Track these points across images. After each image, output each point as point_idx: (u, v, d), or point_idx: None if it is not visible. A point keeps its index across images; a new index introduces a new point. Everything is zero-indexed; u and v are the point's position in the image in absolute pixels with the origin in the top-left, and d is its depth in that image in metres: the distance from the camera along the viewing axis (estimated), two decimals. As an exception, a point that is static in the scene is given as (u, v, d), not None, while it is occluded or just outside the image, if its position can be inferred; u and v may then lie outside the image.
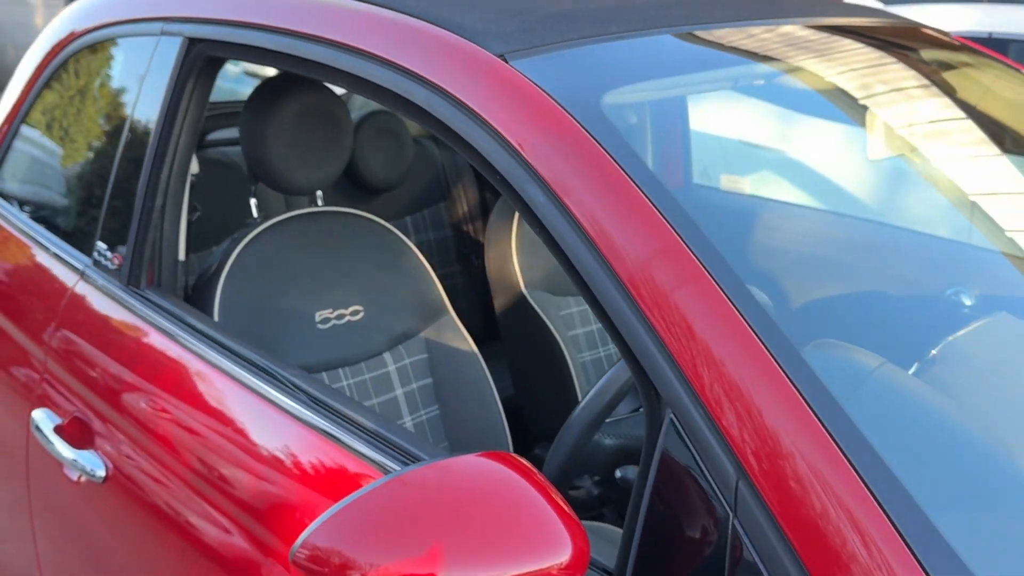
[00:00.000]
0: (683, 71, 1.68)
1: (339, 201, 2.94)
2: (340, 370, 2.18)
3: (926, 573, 1.01)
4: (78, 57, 2.36)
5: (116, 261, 2.01)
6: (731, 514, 1.09)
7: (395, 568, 1.07)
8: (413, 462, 1.40)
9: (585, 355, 2.57)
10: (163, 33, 2.00)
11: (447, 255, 3.37)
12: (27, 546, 2.18)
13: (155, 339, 1.87)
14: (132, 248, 1.98)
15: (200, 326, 1.83)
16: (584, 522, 1.67)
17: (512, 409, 2.42)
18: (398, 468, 1.42)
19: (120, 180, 2.06)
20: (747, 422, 1.11)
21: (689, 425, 1.14)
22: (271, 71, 2.44)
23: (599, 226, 1.26)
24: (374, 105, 3.53)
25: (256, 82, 2.30)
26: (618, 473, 1.66)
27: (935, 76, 1.94)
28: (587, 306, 1.34)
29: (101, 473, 1.85)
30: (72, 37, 2.36)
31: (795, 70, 1.78)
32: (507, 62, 1.45)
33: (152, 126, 1.97)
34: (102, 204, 2.10)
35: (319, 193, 2.49)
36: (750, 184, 1.88)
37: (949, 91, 1.92)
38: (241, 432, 1.66)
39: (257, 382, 1.66)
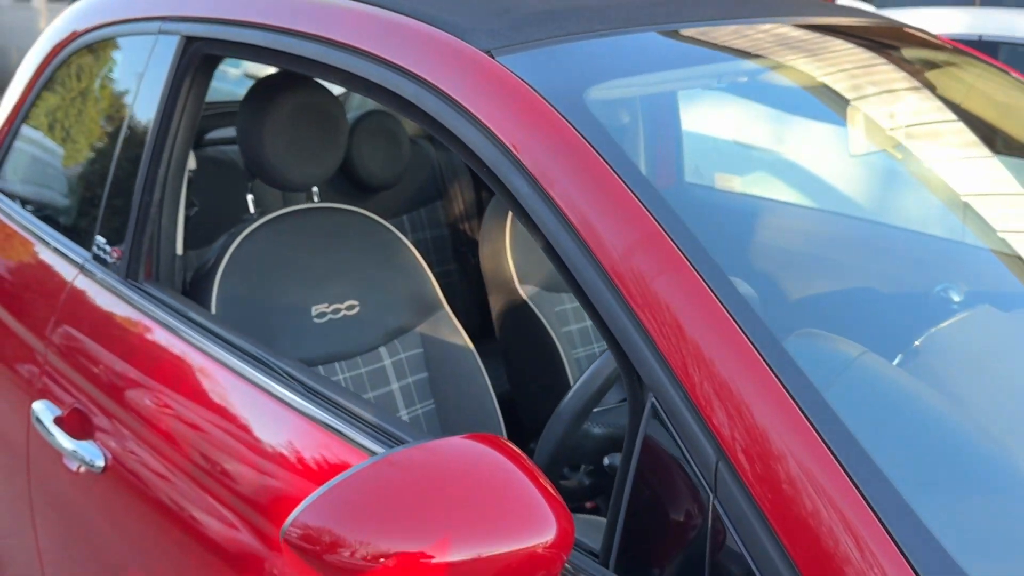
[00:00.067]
0: (666, 67, 1.71)
1: (336, 199, 2.96)
2: (336, 364, 2.21)
3: (898, 547, 1.03)
4: (78, 56, 2.39)
5: (115, 255, 2.04)
6: (712, 495, 1.12)
7: (385, 546, 1.09)
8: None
9: (579, 351, 2.59)
10: (161, 32, 2.03)
11: (444, 253, 3.39)
12: (27, 536, 2.20)
13: (153, 331, 1.90)
14: (130, 242, 2.00)
15: (198, 318, 1.85)
16: (581, 515, 1.71)
17: (508, 405, 2.44)
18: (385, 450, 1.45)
19: (119, 176, 2.09)
20: (726, 406, 1.14)
21: (670, 409, 1.17)
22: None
23: (582, 216, 1.28)
24: (371, 105, 3.56)
25: (255, 84, 2.33)
26: (606, 461, 1.69)
27: (917, 74, 1.96)
28: None
29: (100, 463, 1.87)
30: (73, 37, 2.39)
31: (778, 67, 1.81)
32: (493, 58, 1.48)
33: (150, 122, 2.00)
34: (101, 199, 2.13)
35: (315, 189, 2.52)
36: (731, 178, 1.90)
37: (932, 88, 1.95)
38: (239, 423, 1.69)
39: (255, 374, 1.68)
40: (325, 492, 1.13)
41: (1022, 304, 1.74)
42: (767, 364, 1.16)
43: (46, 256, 2.28)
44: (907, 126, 1.87)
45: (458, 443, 1.16)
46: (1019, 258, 1.81)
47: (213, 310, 2.04)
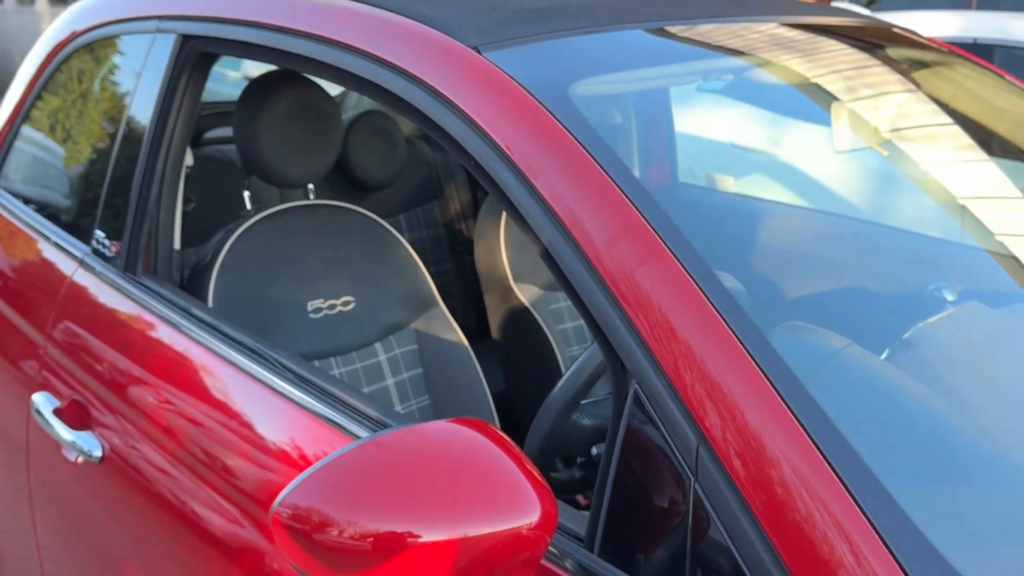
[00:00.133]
0: (651, 64, 1.74)
1: (334, 199, 2.97)
2: (332, 359, 2.23)
3: (872, 525, 1.06)
4: (78, 55, 2.42)
5: (114, 249, 2.06)
6: (692, 478, 1.14)
7: (372, 526, 1.10)
8: None
9: (574, 349, 2.61)
10: (158, 31, 2.06)
11: (440, 252, 3.40)
12: (26, 526, 2.23)
13: (151, 324, 1.92)
14: (129, 236, 2.03)
15: (195, 311, 1.88)
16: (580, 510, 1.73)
17: (503, 403, 2.46)
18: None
19: (118, 171, 2.12)
20: (707, 392, 1.16)
21: (652, 395, 1.19)
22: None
23: (567, 207, 1.31)
24: (367, 105, 3.59)
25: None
26: (594, 450, 1.71)
27: (903, 72, 1.99)
28: None
29: (98, 453, 1.89)
30: (73, 36, 2.42)
31: (764, 65, 1.83)
32: (481, 54, 1.51)
33: (148, 119, 2.03)
34: (100, 195, 2.15)
35: (310, 187, 2.54)
36: (715, 173, 1.93)
37: (918, 87, 1.97)
38: (236, 415, 1.71)
39: (252, 366, 1.70)
40: (314, 472, 1.14)
41: (1008, 300, 1.76)
42: (749, 353, 1.18)
43: (47, 251, 2.31)
44: (892, 123, 1.90)
45: (445, 426, 1.18)
46: (1006, 256, 1.84)
47: (210, 304, 2.06)
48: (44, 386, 2.10)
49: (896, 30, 2.15)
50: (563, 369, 2.49)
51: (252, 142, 2.19)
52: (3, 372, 2.31)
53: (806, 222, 1.92)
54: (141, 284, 1.99)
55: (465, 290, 3.34)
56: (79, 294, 2.12)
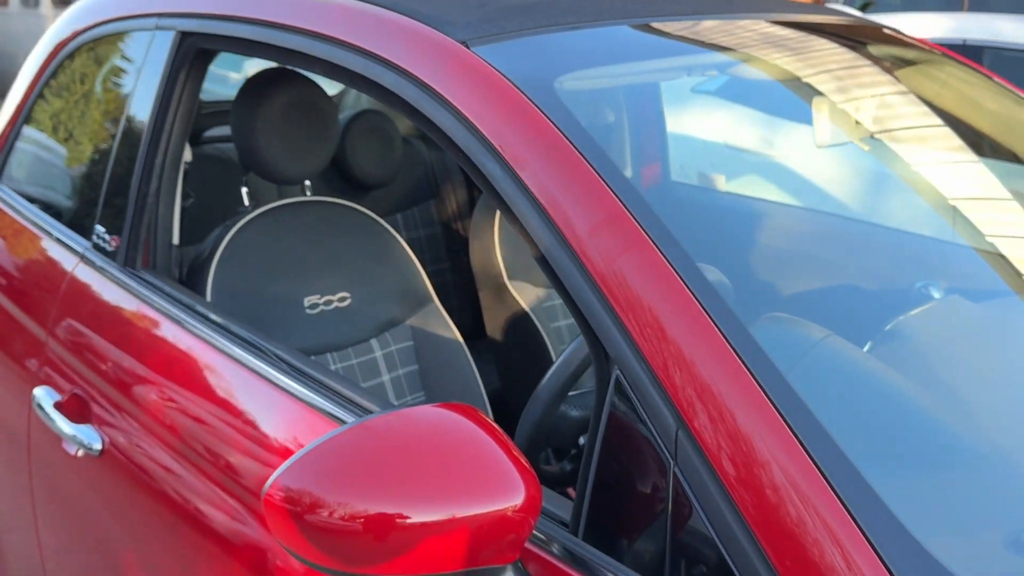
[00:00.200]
0: (635, 59, 1.77)
1: (331, 197, 3.01)
2: (328, 355, 2.25)
3: (844, 504, 1.09)
4: (79, 53, 2.45)
5: (114, 244, 2.09)
6: (672, 462, 1.17)
7: (361, 507, 1.11)
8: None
9: (567, 346, 2.62)
10: (157, 28, 2.10)
11: (437, 251, 3.41)
12: (27, 520, 2.25)
13: (150, 317, 1.94)
14: (129, 231, 2.06)
15: (194, 305, 1.90)
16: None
17: (498, 401, 2.49)
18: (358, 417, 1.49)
19: (118, 167, 2.14)
20: (686, 378, 1.19)
21: (633, 381, 1.22)
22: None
23: (550, 196, 1.34)
24: (365, 104, 3.61)
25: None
26: (582, 440, 1.73)
27: (887, 70, 2.01)
28: None
29: (98, 447, 1.91)
30: (74, 35, 2.45)
31: (748, 61, 1.86)
32: (469, 48, 1.54)
33: (147, 115, 2.06)
34: (101, 190, 2.18)
35: (307, 183, 2.57)
36: (697, 166, 1.95)
37: (902, 85, 2.00)
38: (234, 407, 1.73)
39: (249, 358, 1.72)
40: (305, 455, 1.16)
41: (989, 294, 1.79)
42: (728, 341, 1.20)
43: (49, 246, 2.33)
44: (876, 121, 1.93)
45: (432, 411, 1.19)
46: (988, 252, 1.87)
47: (208, 299, 2.08)
48: (45, 380, 2.13)
49: (882, 29, 2.17)
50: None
51: (249, 138, 2.22)
52: (6, 367, 2.34)
53: (788, 216, 1.94)
54: (140, 278, 2.02)
55: (462, 289, 3.35)
56: (80, 288, 2.15)
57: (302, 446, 1.57)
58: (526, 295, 2.59)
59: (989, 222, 1.91)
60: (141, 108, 2.10)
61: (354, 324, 2.29)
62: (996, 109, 2.09)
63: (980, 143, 2.06)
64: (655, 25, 1.81)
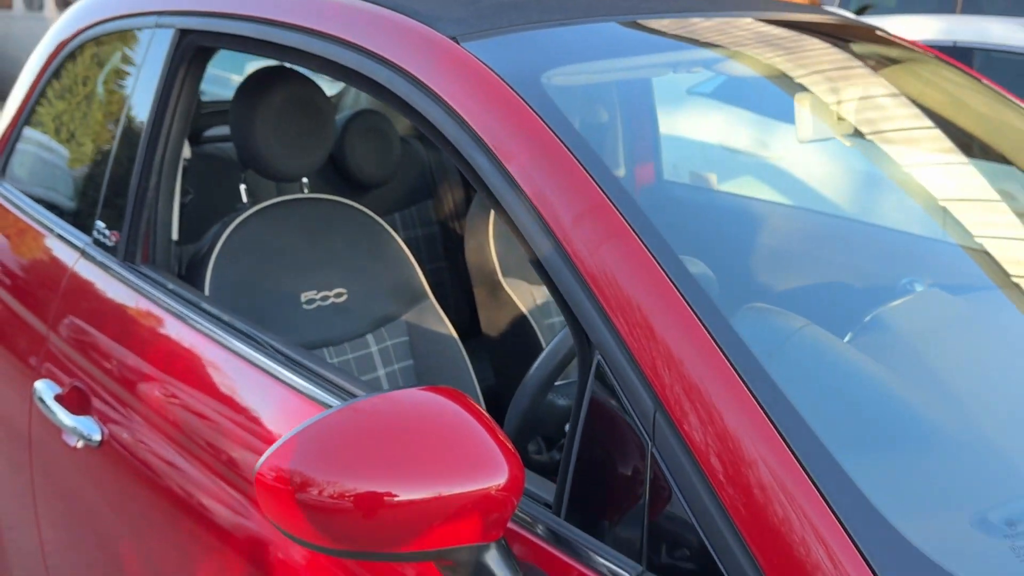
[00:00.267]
0: (621, 55, 1.81)
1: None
2: (324, 349, 2.28)
3: (812, 480, 1.12)
4: (81, 51, 2.49)
5: (114, 239, 2.12)
6: (650, 443, 1.20)
7: (351, 485, 1.14)
8: None
9: None
10: (157, 26, 2.13)
11: (434, 250, 3.44)
12: (28, 511, 2.28)
13: (149, 311, 1.97)
14: (128, 226, 2.09)
15: (192, 298, 1.93)
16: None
17: (492, 397, 2.51)
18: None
19: (118, 163, 2.17)
20: (664, 362, 1.22)
21: (614, 365, 1.25)
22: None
23: (535, 187, 1.38)
24: (363, 104, 3.65)
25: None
26: (567, 428, 1.76)
27: (871, 68, 2.04)
28: None
29: (97, 438, 1.94)
30: (76, 33, 2.49)
31: (733, 58, 1.90)
32: (459, 44, 1.58)
33: (147, 111, 2.09)
34: (101, 186, 2.21)
35: (304, 181, 2.60)
36: (681, 160, 1.98)
37: (882, 81, 2.03)
38: (232, 399, 1.76)
39: (247, 350, 1.75)
40: (295, 435, 1.18)
41: (965, 288, 1.83)
42: (706, 328, 1.24)
43: (50, 242, 2.36)
44: (857, 117, 1.96)
45: (419, 393, 1.22)
46: (969, 247, 1.91)
47: (206, 294, 2.11)
48: (47, 374, 2.16)
49: (867, 29, 2.21)
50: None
51: (247, 136, 2.25)
52: (8, 362, 2.36)
53: (768, 210, 1.98)
54: (140, 273, 2.05)
55: (459, 288, 3.37)
56: (81, 283, 2.18)
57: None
58: (520, 292, 2.62)
59: (970, 219, 1.94)
60: (141, 105, 2.13)
61: (350, 319, 2.32)
62: (979, 107, 2.12)
63: (963, 141, 2.08)
64: (643, 22, 1.85)
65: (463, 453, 1.17)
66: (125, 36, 2.33)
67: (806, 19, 2.10)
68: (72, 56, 2.52)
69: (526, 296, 2.62)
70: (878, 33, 2.19)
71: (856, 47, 2.07)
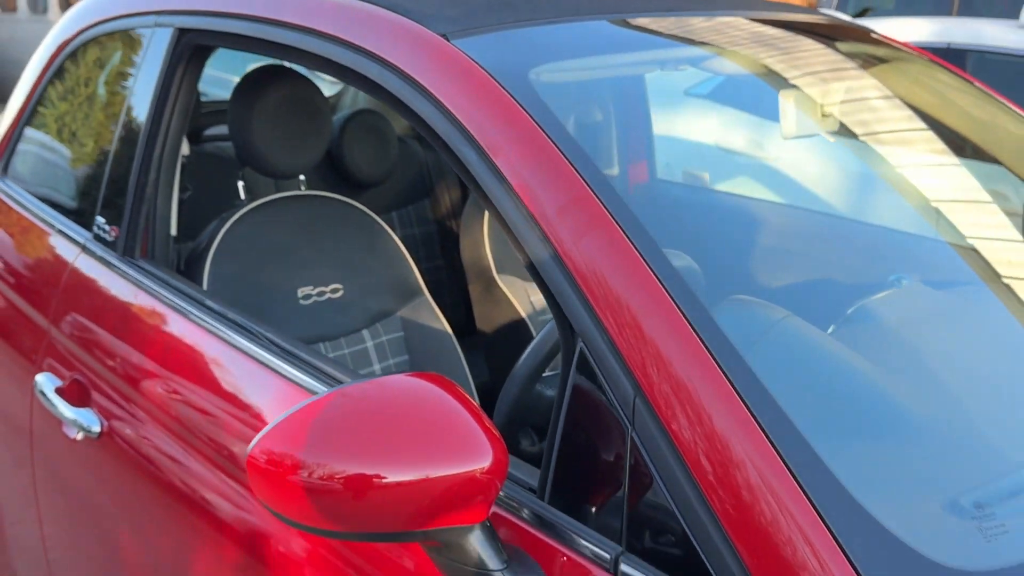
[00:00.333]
0: (607, 52, 1.85)
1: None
2: (320, 344, 2.31)
3: (784, 462, 1.16)
4: (82, 51, 2.52)
5: (113, 234, 2.15)
6: (630, 427, 1.24)
7: (340, 467, 1.16)
8: None
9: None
10: (156, 25, 2.17)
11: (432, 249, 3.46)
12: (29, 503, 2.31)
13: (148, 304, 2.01)
14: (128, 221, 2.12)
15: (190, 292, 1.96)
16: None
17: (487, 393, 2.54)
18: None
19: (118, 159, 2.21)
20: (644, 349, 1.26)
21: (596, 352, 1.29)
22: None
23: (521, 179, 1.41)
24: (362, 104, 3.68)
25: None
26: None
27: (855, 66, 2.08)
28: None
29: (97, 429, 1.98)
30: (77, 33, 2.53)
31: (719, 55, 1.93)
32: (449, 41, 1.61)
33: (147, 109, 2.13)
34: (102, 182, 2.24)
35: (302, 178, 2.63)
36: (667, 156, 2.01)
37: (867, 80, 2.06)
38: (229, 390, 1.79)
39: (244, 342, 1.78)
40: (286, 419, 1.21)
41: (949, 282, 1.87)
42: (685, 317, 1.27)
43: (51, 238, 2.40)
44: (842, 114, 1.99)
45: (407, 379, 1.24)
46: (949, 243, 1.94)
47: (204, 289, 2.14)
48: (48, 368, 2.19)
49: (852, 28, 2.24)
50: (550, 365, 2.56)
51: (245, 133, 2.28)
52: (10, 356, 2.40)
53: (753, 205, 2.01)
54: (139, 267, 2.08)
55: (456, 286, 3.38)
56: (81, 278, 2.21)
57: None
58: (515, 288, 2.65)
59: (953, 216, 1.98)
60: (141, 103, 2.16)
61: (346, 315, 2.35)
62: (964, 106, 2.15)
63: (947, 139, 2.11)
64: (632, 21, 1.88)
65: (449, 437, 1.19)
66: (125, 35, 2.36)
67: (795, 19, 2.13)
68: (73, 55, 2.55)
69: (520, 293, 2.65)
70: (864, 33, 2.22)
71: (842, 46, 2.10)
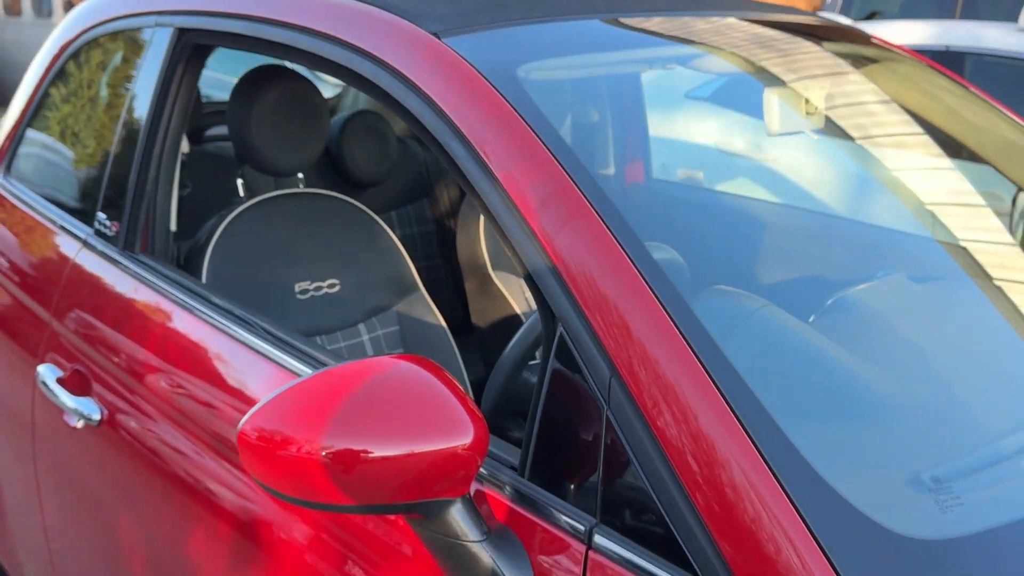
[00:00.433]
0: (593, 51, 1.89)
1: None
2: (317, 338, 2.35)
3: (765, 459, 1.20)
4: (85, 50, 2.57)
5: (114, 229, 2.19)
6: (606, 406, 1.29)
7: (328, 443, 1.20)
8: None
9: None
10: (157, 25, 2.22)
11: (430, 248, 3.49)
12: (31, 491, 2.35)
13: (148, 297, 2.05)
14: (128, 216, 2.16)
15: (189, 285, 2.00)
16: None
17: (482, 388, 2.57)
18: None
19: (119, 157, 2.25)
20: (620, 332, 1.31)
21: (574, 335, 1.34)
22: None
23: (507, 172, 1.46)
24: (362, 104, 3.72)
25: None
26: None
27: (842, 65, 2.11)
28: None
29: (97, 417, 2.02)
30: (79, 33, 2.57)
31: (708, 54, 1.98)
32: (440, 39, 1.66)
33: (147, 107, 2.17)
34: (103, 179, 2.29)
35: (300, 177, 2.67)
36: (654, 153, 2.05)
37: (852, 78, 2.10)
38: (227, 380, 1.83)
39: (241, 332, 1.82)
40: (276, 397, 1.25)
41: (931, 276, 1.92)
42: (661, 304, 1.32)
43: (53, 233, 2.44)
44: (829, 112, 2.03)
45: (392, 360, 1.28)
46: (933, 240, 1.99)
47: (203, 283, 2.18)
48: (49, 359, 2.23)
49: (844, 30, 2.28)
50: (536, 353, 2.60)
51: (244, 132, 2.33)
52: (13, 349, 2.44)
53: (740, 202, 2.05)
54: (139, 261, 2.12)
55: (453, 284, 3.41)
56: (82, 272, 2.25)
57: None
58: (509, 285, 2.69)
59: (939, 213, 2.02)
60: (141, 101, 2.21)
61: (343, 309, 2.39)
62: (953, 107, 2.18)
63: (936, 139, 2.15)
64: (623, 20, 1.93)
65: (433, 415, 1.23)
66: (126, 36, 2.41)
67: (787, 20, 2.18)
68: (75, 56, 2.59)
69: (515, 289, 2.69)
70: (855, 34, 2.26)
71: (831, 46, 2.15)
